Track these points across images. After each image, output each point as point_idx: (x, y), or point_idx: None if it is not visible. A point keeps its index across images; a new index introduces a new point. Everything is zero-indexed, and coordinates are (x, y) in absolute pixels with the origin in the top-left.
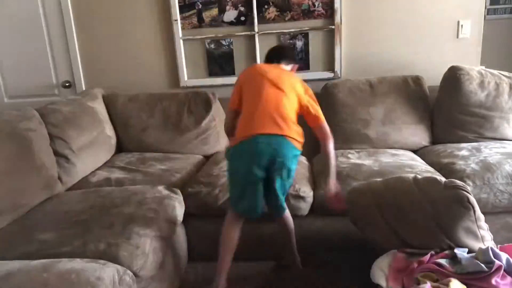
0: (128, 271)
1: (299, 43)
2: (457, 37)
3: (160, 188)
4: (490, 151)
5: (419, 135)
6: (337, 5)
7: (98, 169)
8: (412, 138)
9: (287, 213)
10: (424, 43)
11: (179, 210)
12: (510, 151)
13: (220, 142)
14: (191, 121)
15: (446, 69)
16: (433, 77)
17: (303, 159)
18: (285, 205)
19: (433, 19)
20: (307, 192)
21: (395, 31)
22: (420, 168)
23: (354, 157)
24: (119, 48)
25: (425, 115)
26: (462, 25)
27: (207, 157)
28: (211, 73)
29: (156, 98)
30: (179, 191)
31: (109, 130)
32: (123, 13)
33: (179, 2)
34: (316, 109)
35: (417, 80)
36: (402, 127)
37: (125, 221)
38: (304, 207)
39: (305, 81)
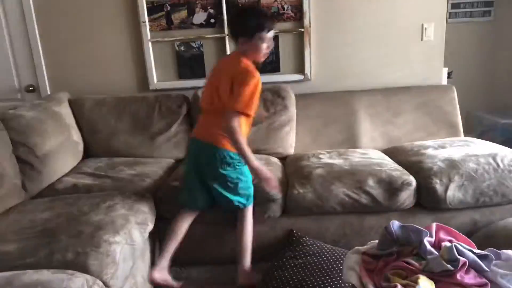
0: (98, 281)
1: None
2: (422, 39)
3: (130, 194)
4: (455, 149)
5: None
6: (305, 8)
7: (65, 175)
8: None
9: (244, 216)
10: (390, 45)
11: (150, 215)
12: (472, 150)
13: None
14: (162, 125)
15: (412, 70)
16: (400, 78)
17: (275, 160)
18: (237, 204)
19: (398, 22)
20: (277, 194)
21: (363, 34)
22: (389, 166)
23: (325, 157)
24: (85, 50)
25: None
26: (426, 28)
27: (178, 161)
28: (181, 76)
29: (125, 102)
30: (150, 196)
31: (76, 135)
32: (89, 14)
33: (147, 4)
34: (234, 96)
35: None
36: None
37: (93, 229)
38: (276, 208)
39: (276, 83)
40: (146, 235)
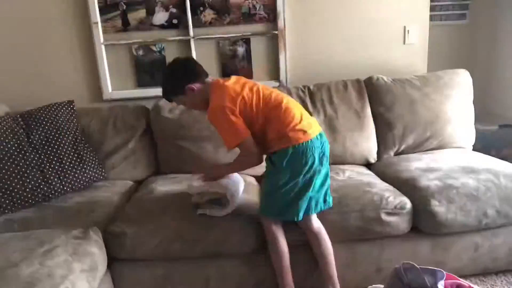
0: None
1: (241, 50)
2: (404, 43)
3: (75, 231)
4: (447, 162)
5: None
6: (279, 8)
7: None
8: (360, 150)
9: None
10: (372, 49)
11: (100, 257)
12: (468, 164)
13: (151, 165)
14: (117, 141)
15: (395, 76)
16: None
17: (251, 180)
18: None
19: (380, 24)
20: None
21: (343, 37)
22: (379, 186)
23: None
24: (28, 55)
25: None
26: (408, 31)
27: (139, 182)
28: (140, 84)
29: (74, 114)
30: (99, 232)
31: None
32: (32, 15)
33: (98, 3)
34: None
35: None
36: (346, 137)
37: (23, 287)
38: (250, 241)
39: None
40: (97, 283)
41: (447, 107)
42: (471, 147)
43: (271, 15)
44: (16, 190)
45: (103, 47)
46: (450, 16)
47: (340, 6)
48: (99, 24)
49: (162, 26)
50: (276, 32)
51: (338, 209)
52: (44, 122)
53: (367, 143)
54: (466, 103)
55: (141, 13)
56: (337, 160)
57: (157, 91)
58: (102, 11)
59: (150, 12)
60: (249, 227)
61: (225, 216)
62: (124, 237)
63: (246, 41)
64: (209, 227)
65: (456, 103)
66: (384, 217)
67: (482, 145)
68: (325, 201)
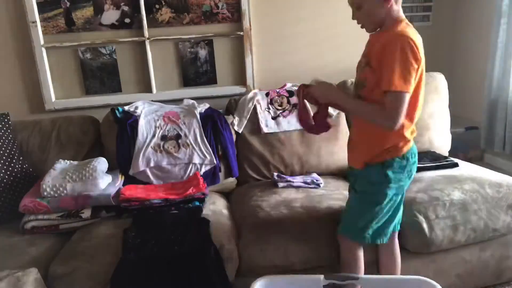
0: None
1: (202, 52)
2: None
3: (2, 273)
4: (428, 172)
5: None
6: (244, 7)
7: None
8: (335, 160)
9: None
10: (342, 50)
11: None
12: (450, 173)
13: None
14: (62, 159)
15: None
16: None
17: (217, 196)
18: None
19: (349, 23)
20: (231, 249)
21: (312, 38)
22: None
23: (279, 189)
24: None
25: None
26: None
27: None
28: (89, 91)
29: (10, 129)
30: (36, 274)
31: None
32: None
33: None
34: None
35: None
36: (321, 147)
37: None
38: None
39: (212, 97)
40: None
41: (425, 113)
42: (447, 153)
43: (236, 15)
44: None
45: (43, 50)
46: (414, 17)
47: (309, 5)
48: (38, 24)
49: (112, 26)
50: (241, 33)
51: (321, 231)
52: None
53: (344, 153)
54: (442, 108)
55: (88, 11)
56: (312, 171)
57: (108, 99)
58: (42, 9)
59: (98, 10)
60: None
61: None
62: (71, 279)
63: (209, 43)
64: None
65: (434, 108)
66: None
67: (450, 147)
68: None
